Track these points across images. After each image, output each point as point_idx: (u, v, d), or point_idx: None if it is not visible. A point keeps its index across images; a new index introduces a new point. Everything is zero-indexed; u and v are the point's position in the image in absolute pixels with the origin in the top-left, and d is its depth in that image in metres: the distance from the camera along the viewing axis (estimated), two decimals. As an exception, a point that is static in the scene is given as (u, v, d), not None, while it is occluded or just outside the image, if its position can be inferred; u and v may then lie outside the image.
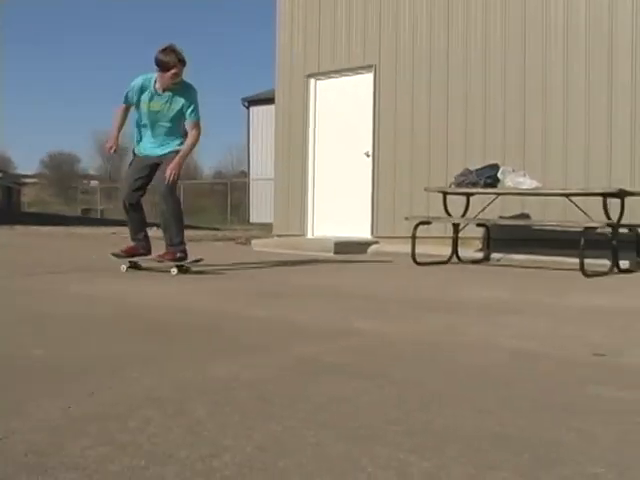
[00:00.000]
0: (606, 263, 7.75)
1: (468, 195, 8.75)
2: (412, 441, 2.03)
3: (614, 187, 7.77)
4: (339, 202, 11.01)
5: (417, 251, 8.43)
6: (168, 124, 6.82)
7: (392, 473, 1.77)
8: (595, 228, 7.44)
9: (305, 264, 8.45)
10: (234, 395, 2.49)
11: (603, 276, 7.40)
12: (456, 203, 8.84)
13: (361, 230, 10.62)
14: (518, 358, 3.31)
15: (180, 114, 6.77)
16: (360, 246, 10.15)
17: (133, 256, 6.95)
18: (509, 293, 5.97)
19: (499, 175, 8.15)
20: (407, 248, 8.45)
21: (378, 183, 10.62)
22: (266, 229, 12.13)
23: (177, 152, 6.74)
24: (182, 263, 6.69)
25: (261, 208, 25.25)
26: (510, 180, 8.07)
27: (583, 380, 2.87)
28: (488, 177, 8.20)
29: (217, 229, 19.62)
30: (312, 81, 11.52)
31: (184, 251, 6.74)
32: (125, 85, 6.87)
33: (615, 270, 7.74)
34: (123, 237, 14.33)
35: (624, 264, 7.92)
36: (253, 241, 11.49)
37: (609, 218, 7.55)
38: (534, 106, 9.27)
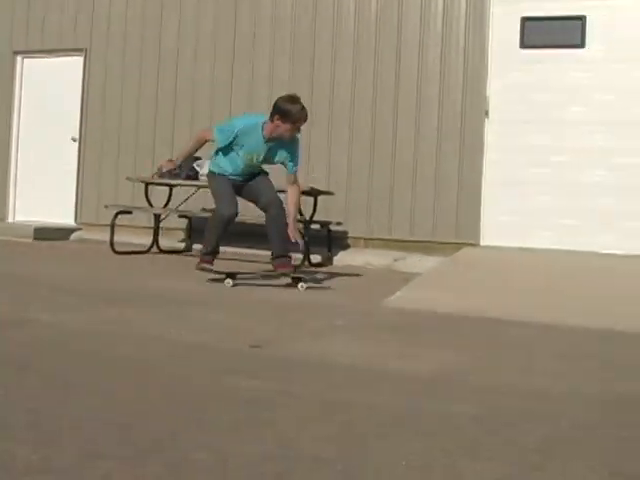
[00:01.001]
0: (300, 257, 8.17)
1: (171, 186, 8.83)
2: (31, 433, 2.09)
3: (307, 185, 8.22)
4: (44, 186, 10.64)
5: (121, 240, 8.40)
6: (258, 168, 6.40)
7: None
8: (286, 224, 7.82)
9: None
10: None
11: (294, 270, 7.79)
12: (163, 193, 8.89)
13: (65, 216, 10.35)
14: (177, 349, 3.47)
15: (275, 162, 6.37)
16: (62, 232, 9.91)
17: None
18: (197, 284, 6.13)
19: (195, 166, 8.27)
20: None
21: (84, 169, 10.39)
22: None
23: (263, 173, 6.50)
24: (299, 275, 6.32)
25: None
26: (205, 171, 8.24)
27: (228, 370, 3.08)
28: (190, 169, 8.32)
29: None
30: (19, 59, 11.02)
31: None
32: None
33: (307, 264, 8.19)
34: None
35: (316, 258, 8.41)
36: (-54, 224, 10.80)
37: (301, 214, 7.98)
38: (240, 99, 9.52)
